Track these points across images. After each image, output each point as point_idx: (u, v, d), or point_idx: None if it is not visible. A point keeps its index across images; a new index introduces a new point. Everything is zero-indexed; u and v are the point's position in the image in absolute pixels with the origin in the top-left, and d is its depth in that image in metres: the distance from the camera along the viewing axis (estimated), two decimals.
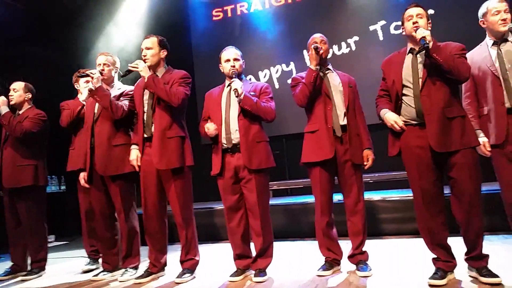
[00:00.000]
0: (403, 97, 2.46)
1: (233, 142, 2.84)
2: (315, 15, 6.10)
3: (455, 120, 2.34)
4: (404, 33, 2.55)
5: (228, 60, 2.93)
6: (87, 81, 3.48)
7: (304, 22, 6.08)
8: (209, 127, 2.87)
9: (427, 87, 2.37)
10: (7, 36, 5.33)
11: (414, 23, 2.42)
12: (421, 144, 2.38)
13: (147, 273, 3.05)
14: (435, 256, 2.47)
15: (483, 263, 2.36)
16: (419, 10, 2.48)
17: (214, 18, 6.89)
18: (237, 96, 2.77)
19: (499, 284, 2.23)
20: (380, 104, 2.63)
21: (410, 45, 2.53)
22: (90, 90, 3.14)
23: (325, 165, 2.77)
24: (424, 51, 2.35)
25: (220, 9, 6.86)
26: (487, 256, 2.39)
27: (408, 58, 2.50)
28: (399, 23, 5.67)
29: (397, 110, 2.50)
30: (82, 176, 3.26)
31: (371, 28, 5.89)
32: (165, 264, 3.15)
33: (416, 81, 2.41)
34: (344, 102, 2.80)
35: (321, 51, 2.76)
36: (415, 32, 2.37)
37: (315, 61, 2.74)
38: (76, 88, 3.67)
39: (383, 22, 5.83)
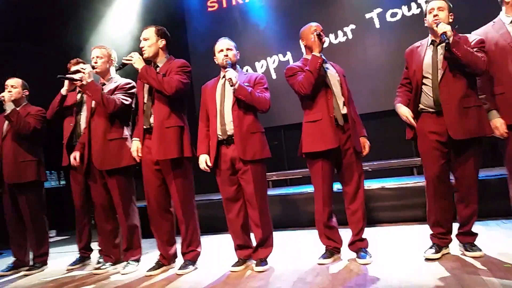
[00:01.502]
0: (423, 87, 2.61)
1: (228, 133, 2.84)
2: (311, 3, 6.07)
3: (471, 109, 2.49)
4: (426, 25, 2.66)
5: (221, 51, 2.92)
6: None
7: (300, 11, 6.04)
8: (201, 161, 2.92)
9: (445, 78, 2.51)
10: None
11: (435, 16, 2.55)
12: (437, 130, 2.56)
13: (158, 265, 3.06)
14: (432, 233, 2.70)
15: (470, 240, 2.63)
16: (440, 3, 2.59)
17: (209, 9, 6.85)
18: (231, 86, 2.77)
19: (481, 257, 2.51)
20: (398, 95, 2.79)
21: (431, 37, 2.65)
22: (81, 86, 3.13)
23: (328, 155, 2.76)
24: (444, 45, 2.47)
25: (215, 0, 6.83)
26: (475, 234, 2.65)
27: (429, 49, 2.63)
28: (396, 10, 5.77)
29: (417, 98, 2.63)
30: (73, 155, 3.30)
31: (367, 16, 5.87)
32: (175, 256, 3.15)
33: (435, 73, 2.55)
34: (342, 91, 2.80)
35: (323, 39, 2.75)
36: (436, 26, 2.48)
37: (319, 47, 2.73)
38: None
39: (379, 10, 5.80)
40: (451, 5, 2.61)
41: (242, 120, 2.83)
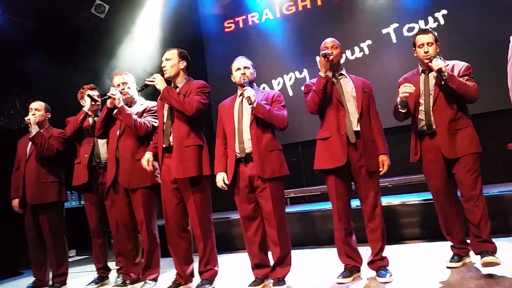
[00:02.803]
0: (419, 111, 2.78)
1: (246, 151, 2.84)
2: (326, 20, 6.08)
3: (461, 131, 2.68)
4: (415, 55, 2.84)
5: (238, 69, 2.95)
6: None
7: (316, 28, 6.06)
8: (218, 179, 2.91)
9: (437, 104, 2.70)
10: (21, 56, 5.47)
11: (426, 52, 2.72)
12: (433, 149, 2.73)
13: (175, 285, 3.04)
14: (452, 244, 2.83)
15: (488, 247, 2.56)
16: (429, 37, 2.75)
17: (226, 30, 6.94)
18: (250, 104, 2.78)
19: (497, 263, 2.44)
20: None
21: (421, 67, 2.85)
22: (114, 111, 3.20)
23: (340, 172, 2.74)
24: (438, 75, 2.65)
25: (231, 20, 6.91)
26: (493, 243, 2.59)
27: (421, 78, 2.81)
28: (412, 25, 5.72)
29: (414, 122, 2.83)
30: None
31: (384, 31, 5.84)
32: (192, 275, 3.13)
33: (428, 99, 2.74)
34: (357, 108, 2.77)
35: (331, 57, 2.72)
36: (430, 62, 2.65)
37: (324, 68, 2.72)
38: (82, 104, 3.71)
39: (395, 25, 5.77)
40: (436, 36, 2.79)
41: (260, 138, 2.83)
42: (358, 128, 2.74)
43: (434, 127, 2.70)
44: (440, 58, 2.68)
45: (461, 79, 2.64)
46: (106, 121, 3.35)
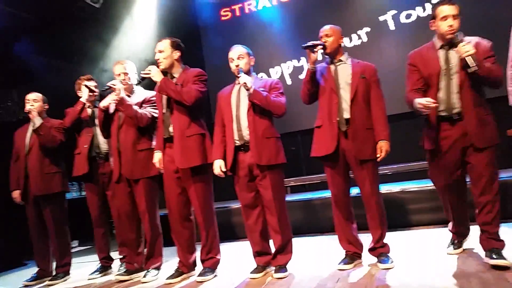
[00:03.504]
0: (439, 92, 2.49)
1: (245, 138, 2.85)
2: (324, 8, 6.06)
3: (486, 117, 2.46)
4: (433, 28, 2.53)
5: (232, 60, 2.94)
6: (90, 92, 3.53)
7: (313, 15, 6.04)
8: (215, 166, 2.92)
9: (464, 85, 2.42)
10: (17, 47, 5.42)
11: (449, 26, 2.42)
12: (450, 137, 2.49)
13: (178, 273, 3.07)
14: (453, 229, 2.78)
15: (496, 245, 2.43)
16: (454, 9, 2.43)
17: (223, 18, 6.90)
18: (247, 90, 2.78)
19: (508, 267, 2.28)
20: (411, 96, 2.56)
21: (439, 42, 2.54)
22: (116, 101, 3.18)
23: (333, 160, 2.75)
24: (467, 63, 2.32)
25: (228, 9, 6.88)
26: (502, 240, 2.45)
27: (441, 54, 2.51)
28: (410, 11, 5.70)
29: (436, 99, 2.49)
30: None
31: (381, 18, 5.83)
32: (194, 264, 3.16)
33: (448, 80, 2.46)
34: (350, 94, 2.73)
35: (319, 48, 2.70)
36: (452, 37, 2.40)
37: (310, 59, 2.71)
38: (79, 95, 3.70)
39: (393, 12, 5.76)
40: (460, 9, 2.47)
41: (258, 124, 2.83)
42: (349, 116, 2.70)
43: (457, 111, 2.45)
44: (458, 36, 2.43)
45: (487, 63, 2.37)
46: (106, 123, 3.34)
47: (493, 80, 2.38)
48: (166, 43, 3.06)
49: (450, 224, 2.82)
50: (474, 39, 2.48)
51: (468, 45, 2.31)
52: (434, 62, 2.50)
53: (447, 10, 2.42)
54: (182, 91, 2.91)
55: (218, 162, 2.92)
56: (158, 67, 3.02)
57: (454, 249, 2.77)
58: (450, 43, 2.44)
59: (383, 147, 2.68)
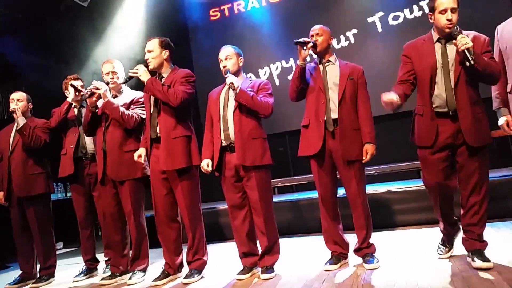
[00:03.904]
0: (435, 87, 2.42)
1: (231, 139, 2.84)
2: (312, 9, 6.09)
3: (480, 115, 2.39)
4: (432, 21, 2.45)
5: (221, 60, 2.95)
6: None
7: (302, 17, 6.06)
8: (203, 164, 2.92)
9: (460, 81, 2.36)
10: (3, 45, 5.35)
11: (448, 20, 2.34)
12: (444, 134, 2.40)
13: (164, 275, 3.04)
14: (443, 228, 2.67)
15: (479, 246, 2.42)
16: (453, 2, 2.36)
17: (212, 18, 6.89)
18: (233, 90, 2.79)
19: (489, 268, 2.29)
20: (394, 88, 2.49)
21: (436, 35, 2.47)
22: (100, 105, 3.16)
23: (320, 159, 2.76)
24: (464, 56, 2.28)
25: (217, 9, 6.87)
26: (484, 241, 2.45)
27: (438, 48, 2.45)
28: (397, 13, 5.75)
29: (429, 97, 2.44)
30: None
31: (369, 20, 5.87)
32: (181, 265, 3.14)
33: (447, 74, 2.39)
34: (338, 95, 2.75)
35: (310, 45, 2.73)
36: (449, 31, 2.33)
37: (301, 56, 2.74)
38: (66, 94, 3.65)
39: (381, 14, 5.81)
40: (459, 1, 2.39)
41: (244, 125, 2.83)
42: (337, 116, 2.72)
43: (452, 107, 2.37)
44: (457, 28, 2.35)
45: (485, 58, 2.31)
46: (92, 123, 3.30)
47: (489, 75, 2.33)
48: (155, 43, 3.03)
49: (441, 224, 2.71)
50: (471, 33, 2.42)
51: (467, 38, 2.26)
52: (429, 55, 2.45)
53: (447, 3, 2.35)
54: (169, 92, 2.89)
55: (206, 161, 2.93)
56: (147, 67, 3.00)
57: (445, 251, 2.67)
58: (448, 37, 2.38)
59: (368, 150, 2.70)
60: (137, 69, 2.95)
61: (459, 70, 2.36)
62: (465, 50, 2.24)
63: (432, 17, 2.43)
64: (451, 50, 2.40)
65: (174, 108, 2.93)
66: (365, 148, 2.71)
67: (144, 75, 2.93)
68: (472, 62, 2.22)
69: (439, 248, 2.73)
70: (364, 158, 2.71)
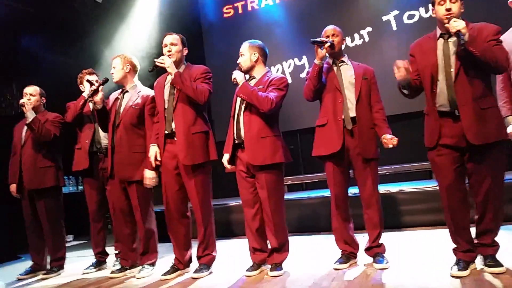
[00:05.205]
0: (438, 84, 2.31)
1: (242, 137, 2.84)
2: (326, 7, 6.04)
3: (489, 110, 2.23)
4: (434, 15, 2.35)
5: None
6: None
7: (315, 14, 6.02)
8: (224, 159, 2.95)
9: (460, 77, 2.23)
10: (18, 40, 5.41)
11: (447, 10, 2.21)
12: (450, 134, 2.27)
13: (173, 269, 3.05)
14: (455, 246, 2.40)
15: (491, 251, 2.33)
16: None
17: (225, 15, 6.89)
18: (236, 85, 2.82)
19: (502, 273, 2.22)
20: None
21: (439, 30, 2.35)
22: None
23: (337, 158, 2.74)
24: (457, 39, 2.18)
25: (230, 6, 6.87)
26: (496, 245, 2.35)
27: (439, 44, 2.33)
28: (413, 12, 5.67)
29: (433, 96, 2.33)
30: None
31: (384, 18, 5.81)
32: (190, 260, 3.14)
33: (448, 70, 2.26)
34: (355, 94, 2.76)
35: (327, 45, 2.71)
36: (448, 23, 2.17)
37: (318, 55, 2.71)
38: (81, 89, 3.68)
39: (396, 12, 5.74)
40: None
41: (253, 124, 2.81)
42: (355, 114, 2.73)
43: (456, 105, 2.23)
44: (464, 20, 2.17)
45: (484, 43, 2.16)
46: (101, 119, 3.33)
47: (491, 61, 2.13)
48: (177, 37, 3.03)
49: (452, 238, 2.42)
50: (480, 24, 2.28)
51: (460, 21, 2.13)
52: (431, 52, 2.34)
53: None
54: (198, 89, 2.89)
55: (226, 155, 2.96)
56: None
57: (460, 270, 2.28)
58: (450, 32, 2.21)
59: (393, 138, 2.67)
60: (163, 60, 2.90)
61: (459, 64, 2.23)
62: (458, 32, 2.11)
63: (434, 11, 2.33)
64: (453, 46, 2.28)
65: (193, 104, 2.93)
66: (387, 138, 2.68)
67: (172, 68, 2.90)
68: (462, 42, 2.08)
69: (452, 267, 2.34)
70: (392, 144, 2.66)
